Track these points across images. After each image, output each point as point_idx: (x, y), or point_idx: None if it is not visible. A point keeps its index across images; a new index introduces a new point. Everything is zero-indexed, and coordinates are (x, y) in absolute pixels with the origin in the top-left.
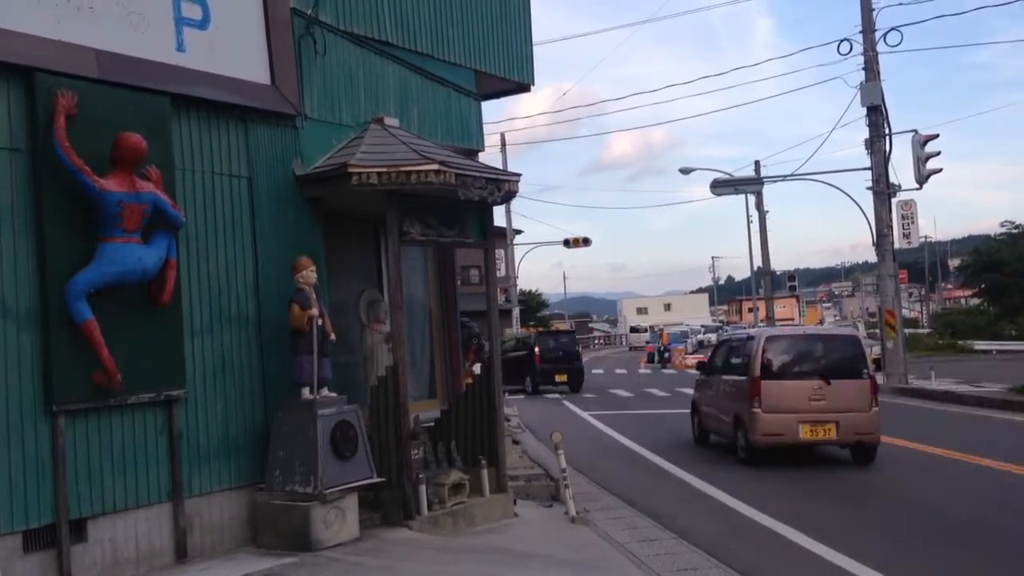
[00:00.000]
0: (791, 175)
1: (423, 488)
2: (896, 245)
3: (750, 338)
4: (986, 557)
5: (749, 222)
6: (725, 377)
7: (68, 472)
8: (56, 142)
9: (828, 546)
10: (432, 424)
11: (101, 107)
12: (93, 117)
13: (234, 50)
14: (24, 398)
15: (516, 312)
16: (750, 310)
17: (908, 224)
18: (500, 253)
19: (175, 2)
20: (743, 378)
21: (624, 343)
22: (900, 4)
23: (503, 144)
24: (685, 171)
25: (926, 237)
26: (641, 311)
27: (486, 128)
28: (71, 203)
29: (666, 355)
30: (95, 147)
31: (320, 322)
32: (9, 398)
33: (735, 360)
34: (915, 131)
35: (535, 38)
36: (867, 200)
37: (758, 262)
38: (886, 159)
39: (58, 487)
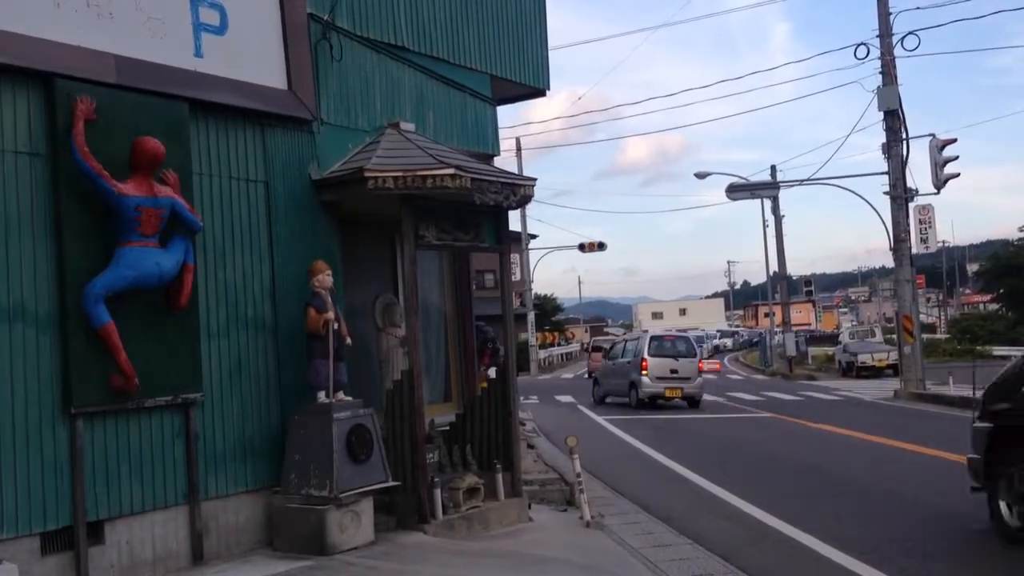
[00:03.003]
0: (808, 179)
1: (438, 492)
2: (914, 250)
3: (639, 337)
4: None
5: (765, 226)
6: (622, 360)
7: (86, 474)
8: (75, 147)
9: (842, 551)
10: (447, 428)
11: (119, 112)
12: (112, 122)
13: (251, 55)
14: (43, 401)
15: (531, 316)
16: (766, 315)
17: (926, 229)
18: (515, 257)
19: (193, 8)
20: (637, 358)
21: None
22: (918, 8)
23: (518, 148)
24: (701, 175)
25: (944, 242)
26: (656, 315)
27: (501, 132)
28: (90, 207)
29: None
30: (114, 152)
31: (336, 326)
32: (28, 401)
33: (630, 348)
34: (933, 135)
35: (551, 43)
36: (884, 205)
37: (774, 267)
38: (903, 163)
39: (76, 489)
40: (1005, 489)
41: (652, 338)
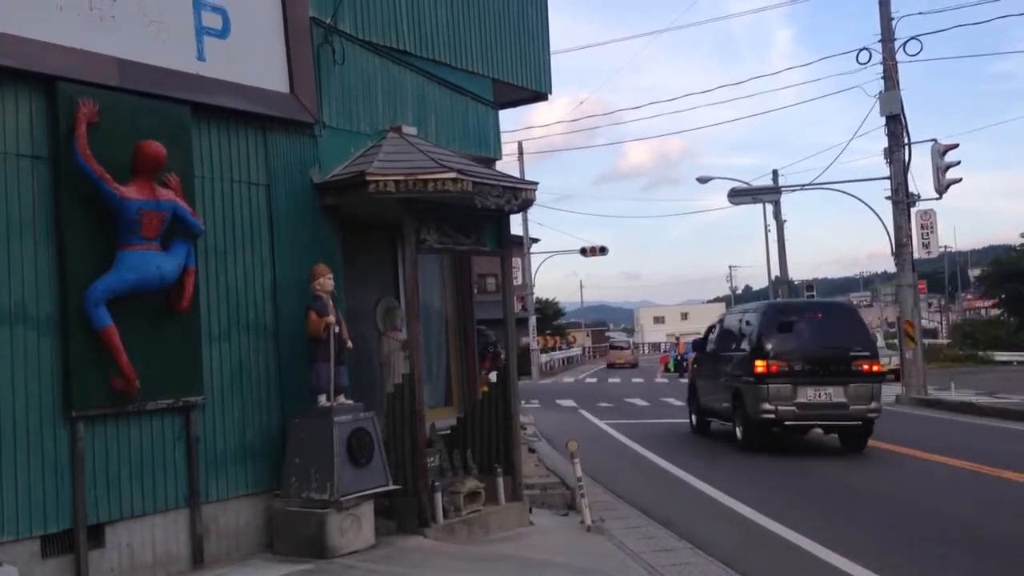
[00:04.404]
0: (809, 184)
1: (438, 496)
2: (915, 255)
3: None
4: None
5: (767, 231)
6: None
7: (86, 477)
8: (77, 150)
9: (838, 553)
10: (448, 432)
11: (122, 115)
12: (114, 125)
13: (253, 59)
14: (44, 404)
15: (533, 321)
16: None
17: (927, 234)
18: (517, 261)
19: (196, 12)
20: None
21: (645, 352)
22: (920, 14)
23: (520, 152)
24: (703, 180)
25: (946, 247)
26: (658, 320)
27: (503, 136)
28: (91, 210)
29: (683, 364)
30: (116, 155)
31: (337, 329)
32: (29, 404)
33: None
34: (935, 140)
35: (553, 47)
36: (886, 209)
37: (776, 271)
38: (905, 169)
39: (76, 492)
40: (694, 404)
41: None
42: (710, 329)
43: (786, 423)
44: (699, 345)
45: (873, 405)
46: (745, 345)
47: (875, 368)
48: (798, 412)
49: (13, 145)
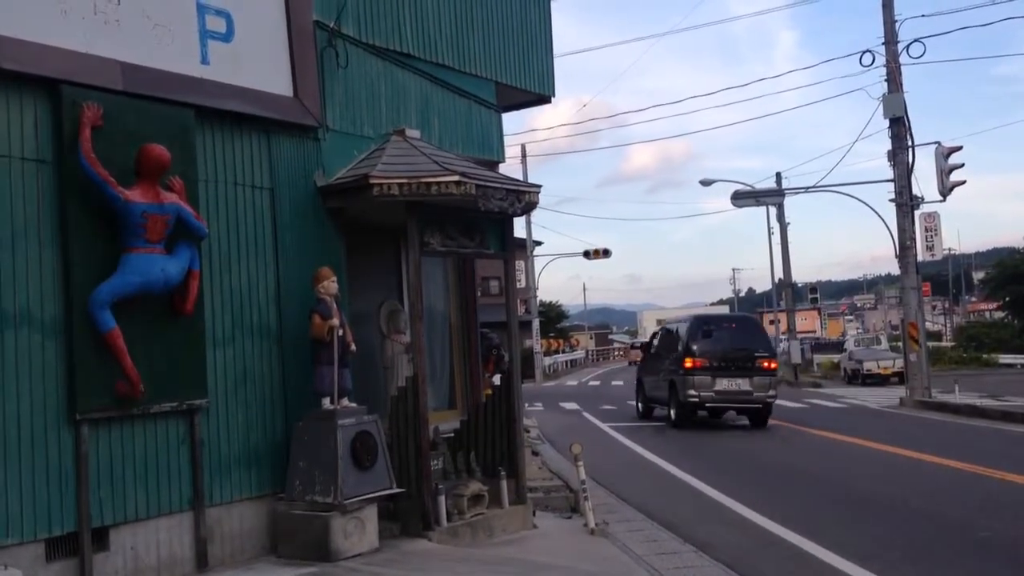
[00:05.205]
0: (813, 187)
1: (442, 499)
2: (919, 258)
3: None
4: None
5: (770, 234)
6: None
7: (91, 480)
8: (82, 154)
9: (845, 558)
10: (452, 435)
11: (126, 119)
12: (118, 129)
13: (257, 63)
14: (48, 407)
15: (536, 324)
16: (771, 322)
17: (931, 236)
18: (520, 264)
19: (200, 15)
20: None
21: None
22: (923, 16)
23: (523, 155)
24: (706, 183)
25: (950, 250)
26: (661, 323)
27: (507, 139)
28: (95, 214)
29: None
30: (120, 158)
31: (341, 332)
32: (33, 407)
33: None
34: (938, 143)
35: (556, 50)
36: (890, 212)
37: (779, 274)
38: (909, 171)
39: (81, 495)
40: (641, 395)
41: None
42: (653, 336)
43: (707, 405)
44: (645, 348)
45: (771, 392)
46: (679, 347)
47: (772, 365)
48: (716, 397)
49: (18, 149)
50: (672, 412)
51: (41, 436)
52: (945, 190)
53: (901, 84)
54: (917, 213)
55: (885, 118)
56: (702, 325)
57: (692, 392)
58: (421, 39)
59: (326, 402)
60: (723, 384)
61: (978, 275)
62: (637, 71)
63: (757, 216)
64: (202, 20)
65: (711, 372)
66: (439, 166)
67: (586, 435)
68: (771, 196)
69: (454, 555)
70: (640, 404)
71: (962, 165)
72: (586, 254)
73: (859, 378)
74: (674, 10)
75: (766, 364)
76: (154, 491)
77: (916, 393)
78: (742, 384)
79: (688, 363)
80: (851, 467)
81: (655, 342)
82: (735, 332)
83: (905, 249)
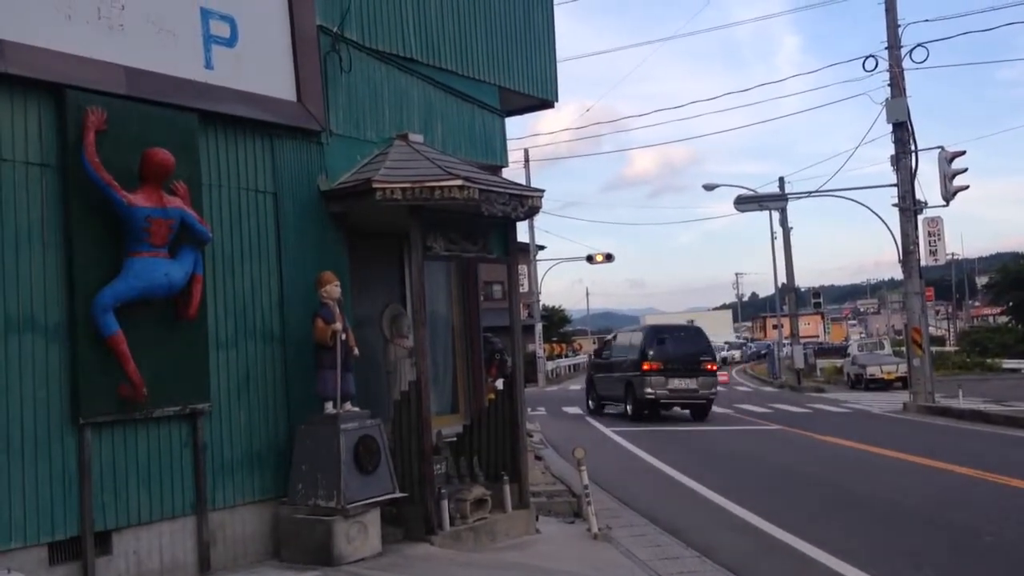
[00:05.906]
0: (816, 191)
1: (445, 503)
2: (922, 262)
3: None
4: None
5: (773, 238)
6: None
7: (94, 484)
8: (86, 158)
9: (850, 564)
10: (454, 439)
11: (130, 123)
12: (122, 133)
13: (261, 67)
14: (51, 411)
15: (539, 328)
16: (774, 327)
17: (935, 241)
18: (523, 268)
19: (204, 20)
20: None
21: None
22: (927, 21)
23: (526, 160)
24: (709, 187)
25: (953, 254)
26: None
27: (510, 144)
28: (99, 218)
29: None
30: (124, 163)
31: (344, 336)
32: (37, 411)
33: None
34: (941, 148)
35: (559, 54)
36: (893, 217)
37: (782, 279)
38: (912, 176)
39: (84, 499)
40: (593, 393)
41: None
42: (606, 343)
43: (661, 401)
44: (598, 353)
45: (713, 390)
46: (635, 353)
47: (714, 367)
48: (668, 394)
49: (22, 153)
50: (628, 408)
51: (44, 440)
52: (948, 195)
53: (904, 89)
54: (920, 218)
55: (888, 123)
56: (657, 334)
57: (649, 390)
58: (424, 43)
59: (329, 406)
60: (675, 383)
61: (981, 280)
62: (640, 76)
63: (760, 221)
64: (206, 25)
65: (665, 373)
66: (442, 170)
67: (589, 439)
68: (774, 201)
69: (457, 560)
70: (591, 401)
71: (965, 170)
72: (589, 258)
73: (862, 383)
74: (677, 15)
75: (709, 366)
76: (157, 495)
77: (920, 398)
78: (690, 383)
79: (645, 366)
80: (854, 472)
81: (606, 350)
82: (684, 339)
83: (908, 254)
